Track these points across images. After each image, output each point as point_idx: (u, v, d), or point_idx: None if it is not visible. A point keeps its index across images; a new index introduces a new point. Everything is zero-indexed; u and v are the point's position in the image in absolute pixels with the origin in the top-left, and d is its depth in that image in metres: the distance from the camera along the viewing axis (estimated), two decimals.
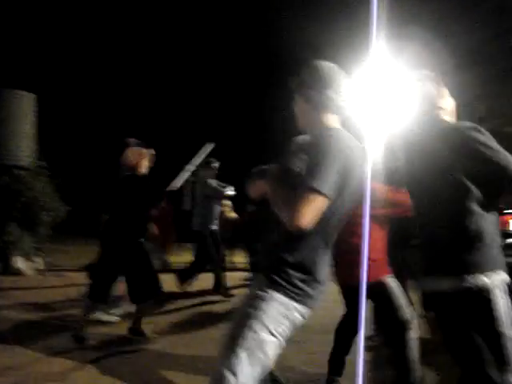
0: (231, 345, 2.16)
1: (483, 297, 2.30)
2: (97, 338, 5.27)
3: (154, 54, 20.57)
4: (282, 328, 2.20)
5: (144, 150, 5.53)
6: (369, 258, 3.29)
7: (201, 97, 20.23)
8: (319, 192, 2.07)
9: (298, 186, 2.13)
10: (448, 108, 2.76)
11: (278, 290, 2.19)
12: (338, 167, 2.14)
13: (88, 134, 20.66)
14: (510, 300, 2.36)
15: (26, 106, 10.79)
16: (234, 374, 2.10)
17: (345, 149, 2.20)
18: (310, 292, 2.23)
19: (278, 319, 2.18)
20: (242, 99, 19.34)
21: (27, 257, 9.86)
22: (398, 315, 3.63)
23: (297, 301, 2.21)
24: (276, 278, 2.21)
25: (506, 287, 2.37)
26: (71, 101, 20.00)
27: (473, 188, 2.35)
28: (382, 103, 2.59)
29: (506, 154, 2.34)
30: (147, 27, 20.08)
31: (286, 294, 2.19)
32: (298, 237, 2.18)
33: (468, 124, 2.44)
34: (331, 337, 3.98)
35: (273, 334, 2.17)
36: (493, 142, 2.37)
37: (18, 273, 9.31)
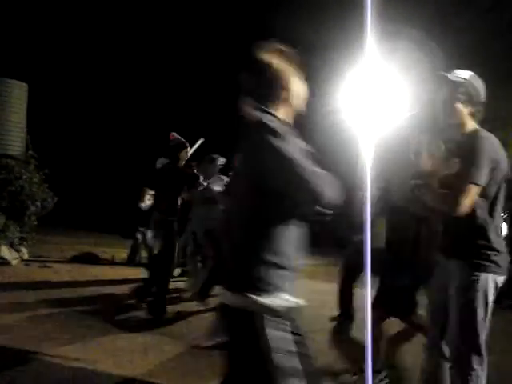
0: None
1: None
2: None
3: (148, 45, 20.49)
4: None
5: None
6: None
7: (193, 92, 20.16)
8: (477, 184, 2.92)
9: (456, 183, 2.98)
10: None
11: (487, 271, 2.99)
12: (488, 162, 2.94)
13: (77, 125, 20.56)
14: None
15: (17, 95, 10.71)
16: None
17: (492, 146, 3.01)
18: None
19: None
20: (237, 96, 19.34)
21: (12, 246, 9.80)
22: None
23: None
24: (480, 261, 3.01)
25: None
26: (62, 90, 19.88)
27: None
28: (374, 104, 2.58)
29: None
30: (142, 18, 19.99)
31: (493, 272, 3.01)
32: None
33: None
34: None
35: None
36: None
37: (2, 262, 9.25)
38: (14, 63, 15.13)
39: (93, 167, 19.87)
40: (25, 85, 10.96)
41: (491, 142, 3.05)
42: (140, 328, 5.62)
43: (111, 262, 10.71)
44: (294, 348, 2.09)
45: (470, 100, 3.19)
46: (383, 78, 2.95)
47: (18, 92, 10.76)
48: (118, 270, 9.60)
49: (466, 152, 3.04)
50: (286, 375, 2.02)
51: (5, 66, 12.97)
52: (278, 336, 2.05)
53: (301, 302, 2.17)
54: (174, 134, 6.20)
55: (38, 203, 10.29)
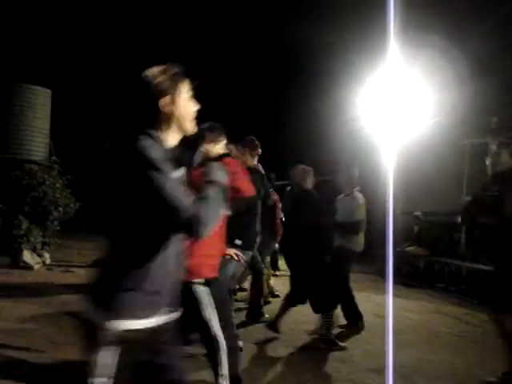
0: None
1: None
2: None
3: (168, 50, 20.60)
4: None
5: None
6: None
7: (213, 96, 20.21)
8: None
9: None
10: None
11: None
12: None
13: (100, 130, 20.73)
14: None
15: (41, 101, 10.86)
16: None
17: None
18: None
19: None
20: (255, 99, 19.34)
21: (35, 251, 9.91)
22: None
23: None
24: None
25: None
26: (84, 96, 20.09)
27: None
28: (396, 110, 2.58)
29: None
30: (160, 22, 20.09)
31: None
32: None
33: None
34: None
35: None
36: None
37: (25, 266, 9.35)
38: (38, 69, 15.34)
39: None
40: (48, 91, 11.11)
41: None
42: None
43: None
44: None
45: None
46: (405, 84, 2.93)
47: (42, 98, 10.91)
48: None
49: None
50: None
51: (28, 73, 13.16)
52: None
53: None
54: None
55: (61, 208, 10.39)
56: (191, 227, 2.03)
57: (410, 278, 10.83)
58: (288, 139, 16.18)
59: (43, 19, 18.55)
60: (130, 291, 2.12)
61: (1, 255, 9.34)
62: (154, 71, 2.20)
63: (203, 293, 3.42)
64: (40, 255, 10.03)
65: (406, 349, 5.59)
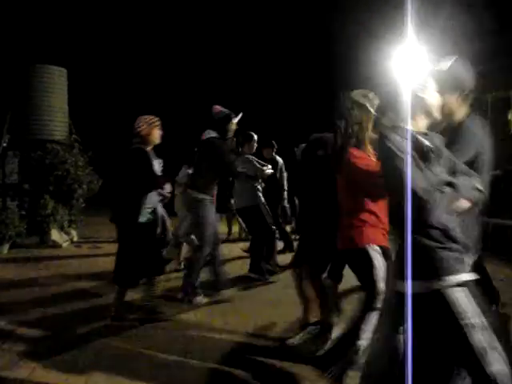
0: None
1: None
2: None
3: (189, 34, 20.43)
4: None
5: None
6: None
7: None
8: None
9: None
10: None
11: None
12: None
13: (117, 106, 20.76)
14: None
15: (57, 81, 10.90)
16: None
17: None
18: None
19: None
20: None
21: (62, 229, 10.07)
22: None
23: None
24: None
25: None
26: (101, 74, 20.07)
27: None
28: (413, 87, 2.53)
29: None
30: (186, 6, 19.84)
31: None
32: None
33: None
34: None
35: None
36: None
37: (54, 245, 9.51)
38: (52, 49, 15.33)
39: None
40: (64, 70, 11.12)
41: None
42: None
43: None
44: None
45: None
46: (424, 39, 2.87)
47: (58, 77, 10.95)
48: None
49: None
50: None
51: (43, 53, 13.16)
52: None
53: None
54: (218, 106, 6.01)
55: (85, 186, 10.51)
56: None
57: None
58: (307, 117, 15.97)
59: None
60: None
61: (29, 235, 9.51)
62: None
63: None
64: (67, 233, 10.20)
65: None
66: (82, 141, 11.03)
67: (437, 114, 2.63)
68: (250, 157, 7.28)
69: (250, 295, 6.26)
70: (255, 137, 7.43)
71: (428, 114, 2.61)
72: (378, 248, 3.46)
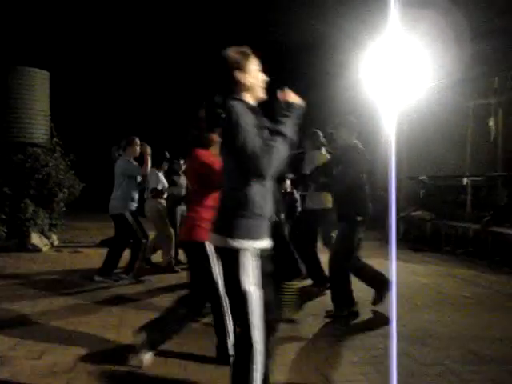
0: None
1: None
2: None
3: (169, 36, 20.38)
4: None
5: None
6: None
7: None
8: None
9: None
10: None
11: None
12: None
13: (101, 110, 20.66)
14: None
15: (39, 84, 10.79)
16: None
17: None
18: None
19: None
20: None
21: (42, 233, 9.96)
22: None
23: None
24: None
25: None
26: (84, 78, 19.96)
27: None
28: (396, 75, 2.55)
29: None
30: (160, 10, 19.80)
31: None
32: None
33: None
34: None
35: None
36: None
37: (33, 249, 9.41)
38: (34, 51, 15.22)
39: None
40: (46, 73, 11.02)
41: None
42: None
43: None
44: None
45: None
46: (407, 48, 2.90)
47: (40, 80, 10.84)
48: None
49: None
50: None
51: (25, 55, 13.06)
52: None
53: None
54: None
55: (66, 190, 10.41)
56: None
57: (417, 242, 10.85)
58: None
59: (40, 2, 18.32)
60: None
61: (9, 239, 9.40)
62: (230, 50, 2.81)
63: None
64: (48, 237, 10.09)
65: (418, 312, 5.64)
66: (64, 144, 10.94)
67: (260, 94, 2.89)
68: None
69: None
70: (137, 140, 7.25)
71: (253, 91, 2.85)
72: None
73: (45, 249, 9.64)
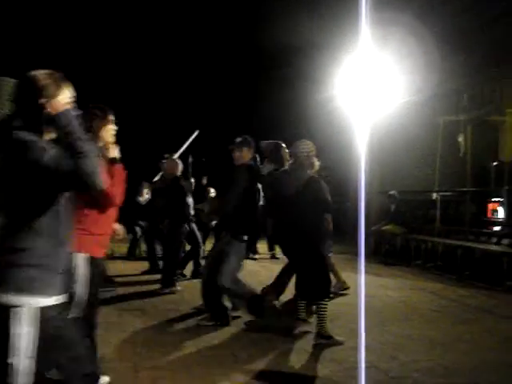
0: None
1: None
2: None
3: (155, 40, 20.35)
4: None
5: None
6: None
7: (189, 87, 20.05)
8: None
9: None
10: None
11: None
12: None
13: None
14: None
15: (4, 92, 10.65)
16: None
17: None
18: None
19: None
20: (230, 89, 19.24)
21: None
22: None
23: None
24: None
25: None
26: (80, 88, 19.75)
27: None
28: (368, 90, 2.61)
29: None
30: (148, 17, 19.77)
31: None
32: None
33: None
34: None
35: None
36: None
37: None
38: (13, 62, 15.02)
39: None
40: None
41: None
42: (143, 320, 5.64)
43: (111, 257, 10.61)
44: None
45: None
46: (377, 65, 2.96)
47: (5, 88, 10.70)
48: (117, 264, 9.56)
49: None
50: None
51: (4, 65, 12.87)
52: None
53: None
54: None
55: None
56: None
57: (388, 256, 10.95)
58: (264, 124, 16.13)
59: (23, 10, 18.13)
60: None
61: None
62: (38, 73, 2.32)
63: None
64: None
65: (387, 326, 5.68)
66: None
67: None
68: None
69: None
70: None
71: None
72: (84, 256, 3.40)
73: None
